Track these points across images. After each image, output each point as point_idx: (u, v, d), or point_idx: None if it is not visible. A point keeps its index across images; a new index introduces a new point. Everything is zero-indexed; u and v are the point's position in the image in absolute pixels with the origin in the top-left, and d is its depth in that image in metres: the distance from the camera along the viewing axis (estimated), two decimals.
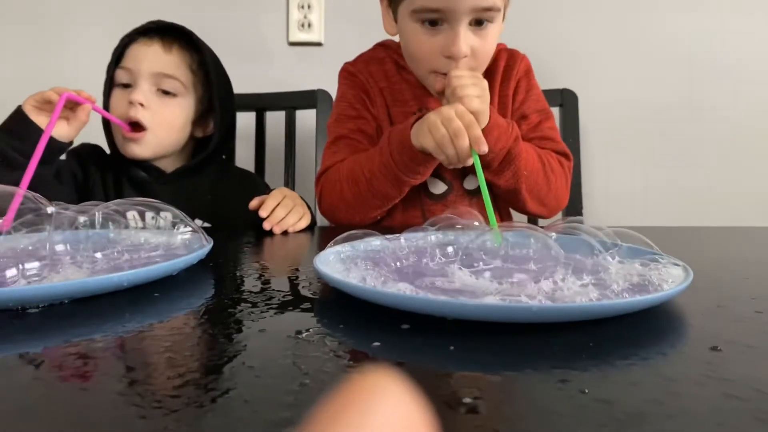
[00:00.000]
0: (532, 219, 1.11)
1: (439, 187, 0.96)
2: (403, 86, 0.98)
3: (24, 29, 1.48)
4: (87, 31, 1.49)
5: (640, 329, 0.36)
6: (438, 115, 0.77)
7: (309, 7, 1.48)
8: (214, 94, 1.04)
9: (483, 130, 0.77)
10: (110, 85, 1.01)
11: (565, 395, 0.26)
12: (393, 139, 0.85)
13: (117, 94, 0.99)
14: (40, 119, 0.86)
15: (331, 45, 1.49)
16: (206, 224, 1.02)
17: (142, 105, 0.96)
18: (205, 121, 1.07)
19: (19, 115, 0.86)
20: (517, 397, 0.27)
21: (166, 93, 0.99)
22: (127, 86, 0.99)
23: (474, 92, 0.79)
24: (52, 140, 0.83)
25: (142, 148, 0.98)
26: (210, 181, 1.07)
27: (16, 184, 0.75)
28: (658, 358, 0.31)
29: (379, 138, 0.96)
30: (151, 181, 1.03)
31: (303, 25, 1.49)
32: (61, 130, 0.88)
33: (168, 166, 1.05)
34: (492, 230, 0.49)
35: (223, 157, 1.16)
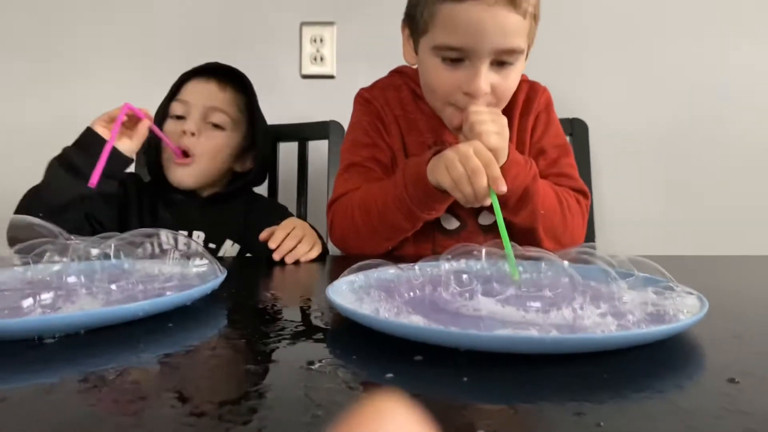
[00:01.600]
0: None
1: (452, 223, 0.95)
2: (418, 116, 0.97)
3: (42, 67, 1.53)
4: (105, 70, 1.53)
5: (655, 360, 0.35)
6: (455, 152, 0.75)
7: (321, 41, 1.51)
8: (259, 132, 1.13)
9: (501, 168, 0.75)
10: (162, 117, 1.08)
11: (580, 428, 0.26)
12: (408, 173, 0.84)
13: (170, 124, 1.08)
14: (107, 134, 0.93)
15: (343, 77, 1.52)
16: (236, 245, 1.07)
17: (193, 134, 1.05)
18: (244, 157, 1.16)
19: (89, 133, 0.93)
20: (532, 429, 0.27)
21: (215, 126, 1.08)
22: (180, 118, 1.07)
23: (493, 128, 0.78)
24: (117, 152, 0.91)
25: (188, 174, 1.06)
26: (242, 206, 1.13)
27: (87, 196, 0.88)
28: (675, 391, 0.31)
29: (393, 167, 0.96)
30: (186, 202, 1.10)
31: (315, 59, 1.52)
32: (124, 145, 0.95)
33: (204, 191, 1.12)
34: (509, 263, 0.49)
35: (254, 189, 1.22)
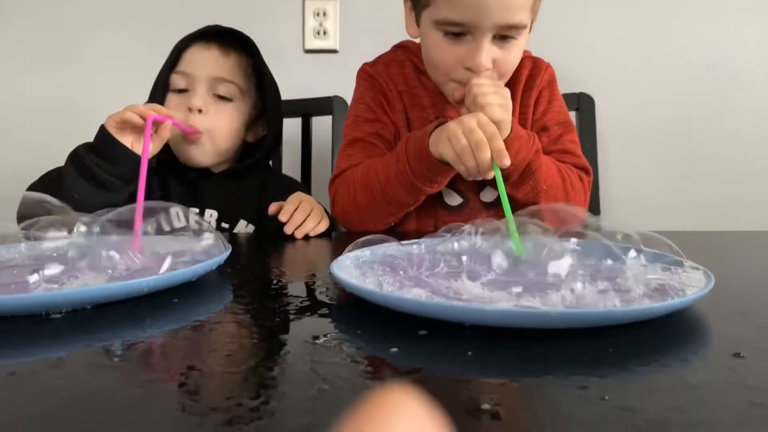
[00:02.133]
0: None
1: (454, 199, 0.94)
2: (421, 92, 0.96)
3: (42, 47, 1.51)
4: (104, 48, 1.51)
5: (660, 335, 0.35)
6: (459, 124, 0.75)
7: (324, 14, 1.49)
8: (269, 98, 1.06)
9: (504, 141, 0.74)
10: (163, 90, 1.00)
11: (585, 402, 0.26)
12: (410, 146, 0.83)
13: (173, 100, 0.99)
14: (125, 139, 0.87)
15: (347, 52, 1.50)
16: (250, 225, 1.04)
17: (200, 111, 0.97)
18: (255, 125, 1.09)
19: (105, 136, 0.87)
20: (536, 403, 0.27)
21: (221, 98, 1.00)
22: (183, 91, 0.99)
23: (496, 101, 0.77)
24: (139, 160, 0.83)
25: (202, 153, 0.99)
26: (256, 185, 1.07)
27: (109, 205, 0.83)
28: (680, 365, 0.31)
29: (396, 142, 0.95)
30: (198, 179, 1.04)
31: (318, 33, 1.50)
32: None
33: (217, 167, 1.06)
34: (513, 240, 0.49)
35: (270, 163, 1.17)
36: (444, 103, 0.94)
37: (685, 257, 0.46)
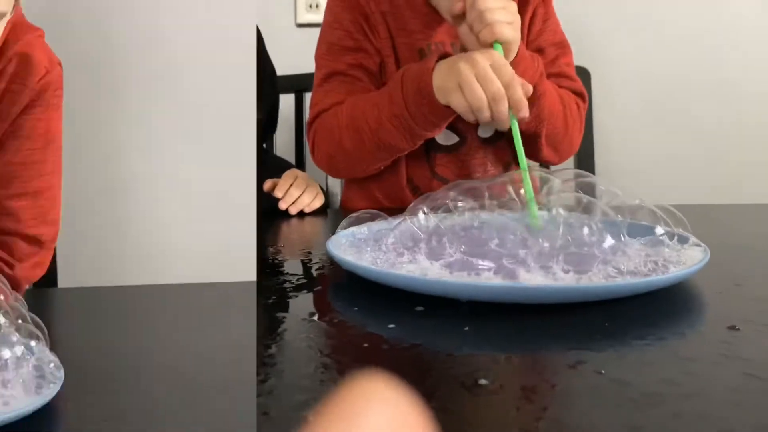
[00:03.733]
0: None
1: (449, 138, 0.84)
2: (408, 12, 0.83)
3: None
4: None
5: (656, 309, 0.35)
6: (471, 66, 0.64)
7: None
8: (265, 79, 1.04)
9: (510, 64, 0.66)
10: None
11: (581, 376, 0.26)
12: (407, 86, 0.72)
13: None
14: None
15: None
16: None
17: None
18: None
19: None
20: (533, 378, 0.27)
21: None
22: None
23: (505, 17, 0.66)
24: None
25: None
26: None
27: None
28: (675, 338, 0.31)
29: (382, 75, 0.84)
30: None
31: (311, 6, 1.47)
32: None
33: None
34: (529, 206, 0.47)
35: (264, 146, 1.15)
36: (435, 26, 0.82)
37: (679, 231, 0.46)
